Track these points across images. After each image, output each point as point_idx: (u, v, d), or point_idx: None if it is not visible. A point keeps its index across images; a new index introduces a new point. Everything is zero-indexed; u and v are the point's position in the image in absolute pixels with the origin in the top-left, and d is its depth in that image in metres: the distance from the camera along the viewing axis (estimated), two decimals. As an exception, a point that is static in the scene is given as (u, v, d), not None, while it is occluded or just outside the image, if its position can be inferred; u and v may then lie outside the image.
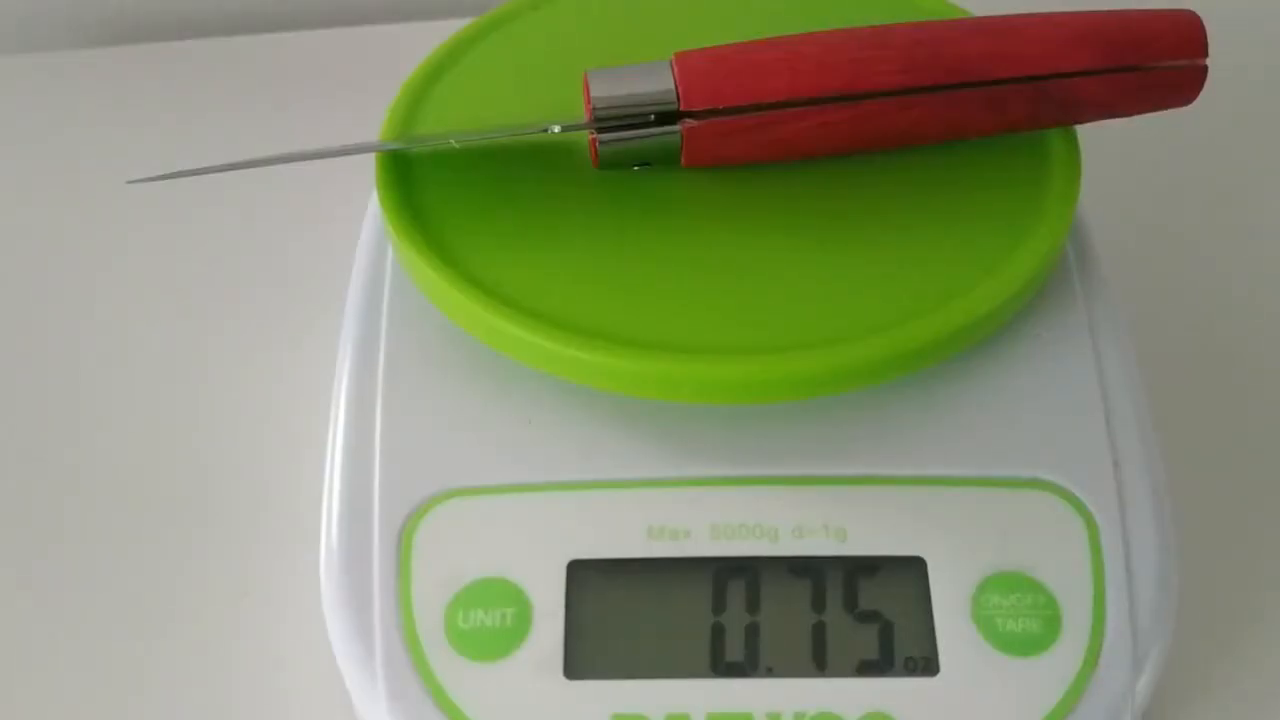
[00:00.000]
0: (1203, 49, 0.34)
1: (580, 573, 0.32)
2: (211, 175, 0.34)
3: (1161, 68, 0.33)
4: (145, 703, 0.35)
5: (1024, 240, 0.33)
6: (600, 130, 0.34)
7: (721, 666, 0.31)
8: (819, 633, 0.31)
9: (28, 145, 0.51)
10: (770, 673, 0.31)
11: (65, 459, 0.40)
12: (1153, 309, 0.41)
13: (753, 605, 0.32)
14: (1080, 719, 0.30)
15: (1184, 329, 0.42)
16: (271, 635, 0.36)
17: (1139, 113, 0.35)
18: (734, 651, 0.31)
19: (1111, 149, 0.39)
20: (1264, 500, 0.39)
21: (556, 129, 0.34)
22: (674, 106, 0.33)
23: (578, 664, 0.31)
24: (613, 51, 0.35)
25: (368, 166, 0.35)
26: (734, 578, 0.32)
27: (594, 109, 0.33)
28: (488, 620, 0.31)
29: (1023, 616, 0.31)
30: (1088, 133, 0.36)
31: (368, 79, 0.40)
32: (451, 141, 0.35)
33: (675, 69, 0.33)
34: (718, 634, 0.31)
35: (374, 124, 0.36)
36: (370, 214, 0.38)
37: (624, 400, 0.33)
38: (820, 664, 0.31)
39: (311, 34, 0.55)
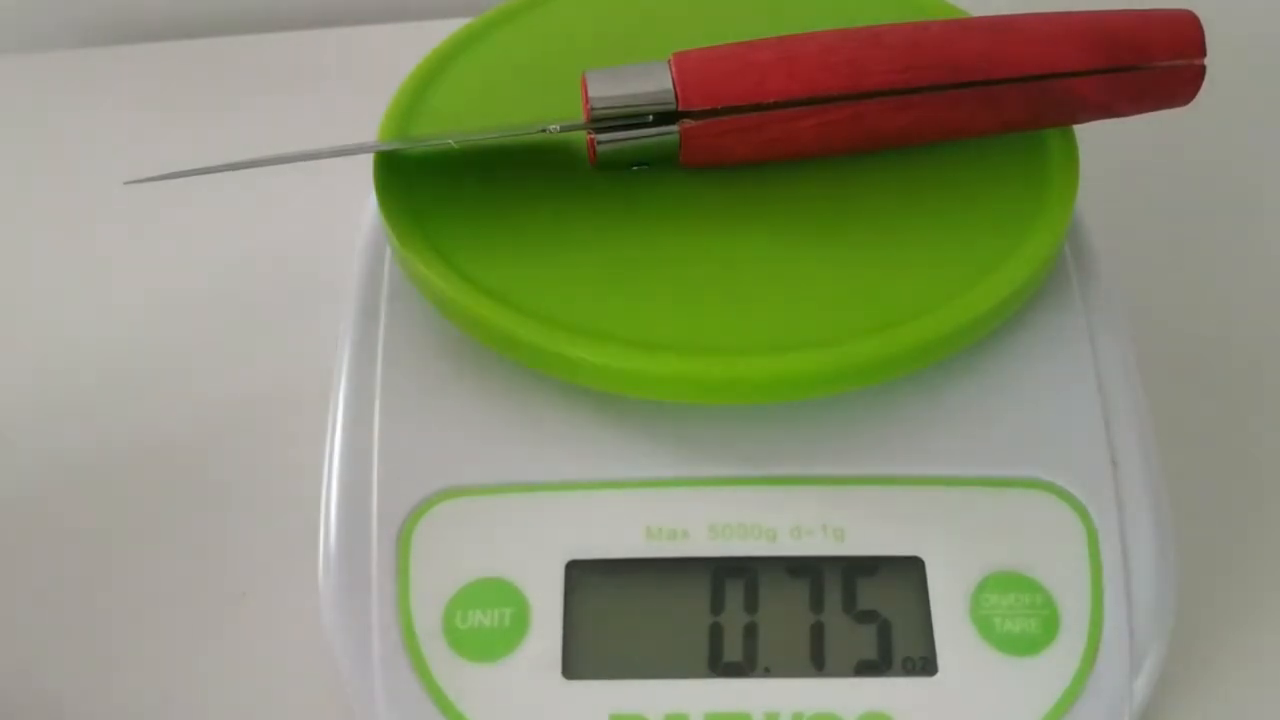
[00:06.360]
0: (1200, 49, 0.34)
1: (578, 573, 0.32)
2: (210, 175, 0.34)
3: (1159, 68, 0.33)
4: (144, 702, 0.35)
5: (1022, 240, 0.33)
6: (598, 130, 0.34)
7: (720, 666, 0.31)
8: (817, 633, 0.31)
9: (28, 145, 0.51)
10: (768, 673, 0.31)
11: (63, 459, 0.40)
12: (1151, 309, 0.41)
13: (751, 605, 0.32)
14: (1078, 718, 0.30)
15: (1182, 329, 0.42)
16: (270, 635, 0.36)
17: (1137, 113, 0.35)
18: (732, 651, 0.31)
19: (1110, 149, 0.39)
20: (1262, 500, 0.38)
21: (555, 129, 0.34)
22: (672, 106, 0.33)
23: (576, 664, 0.31)
24: (611, 51, 0.35)
25: (366, 167, 0.35)
26: (732, 578, 0.32)
27: (592, 109, 0.33)
28: (486, 620, 0.31)
29: (1021, 616, 0.31)
30: (1086, 133, 0.36)
31: (367, 79, 0.40)
32: (450, 141, 0.35)
33: (673, 69, 0.33)
34: (716, 634, 0.31)
35: (372, 124, 0.36)
36: (368, 214, 0.38)
37: (622, 400, 0.33)
38: (819, 664, 0.31)
39: (311, 34, 0.55)
